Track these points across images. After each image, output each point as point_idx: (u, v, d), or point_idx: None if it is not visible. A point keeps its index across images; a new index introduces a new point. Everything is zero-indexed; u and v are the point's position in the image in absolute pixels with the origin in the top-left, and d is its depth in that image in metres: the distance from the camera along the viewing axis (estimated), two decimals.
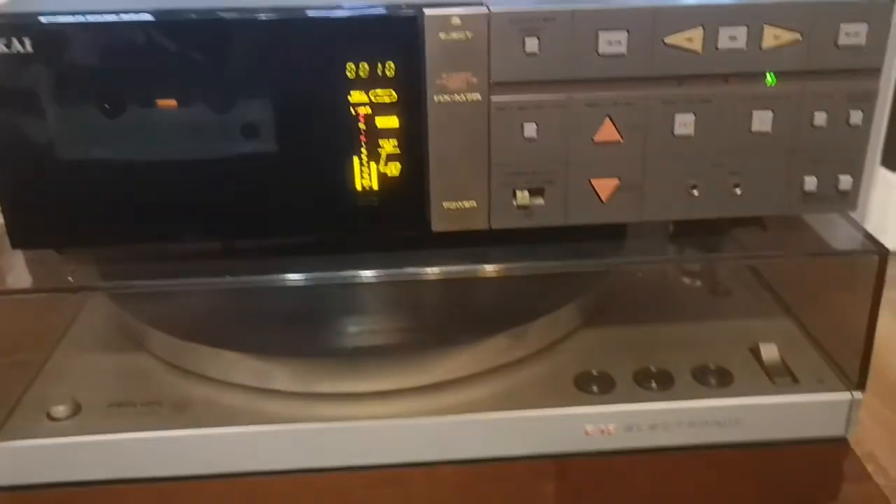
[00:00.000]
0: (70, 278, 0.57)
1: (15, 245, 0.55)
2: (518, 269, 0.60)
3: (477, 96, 0.54)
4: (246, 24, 0.52)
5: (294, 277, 0.58)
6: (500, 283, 0.64)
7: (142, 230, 0.57)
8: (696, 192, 0.56)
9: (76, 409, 0.61)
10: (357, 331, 0.67)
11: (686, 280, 0.76)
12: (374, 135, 0.55)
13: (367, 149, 0.55)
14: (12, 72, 0.51)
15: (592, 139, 0.55)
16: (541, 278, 0.64)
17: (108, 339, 0.70)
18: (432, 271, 0.58)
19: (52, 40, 0.51)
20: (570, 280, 0.69)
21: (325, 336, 0.66)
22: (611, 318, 0.71)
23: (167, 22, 0.52)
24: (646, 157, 0.56)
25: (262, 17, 0.52)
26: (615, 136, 0.55)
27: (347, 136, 0.55)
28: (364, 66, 0.53)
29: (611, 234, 0.62)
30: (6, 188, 0.54)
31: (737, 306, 0.74)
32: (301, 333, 0.65)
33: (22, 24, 0.50)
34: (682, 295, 0.75)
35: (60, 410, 0.61)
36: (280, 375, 0.63)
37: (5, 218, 0.54)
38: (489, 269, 0.60)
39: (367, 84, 0.54)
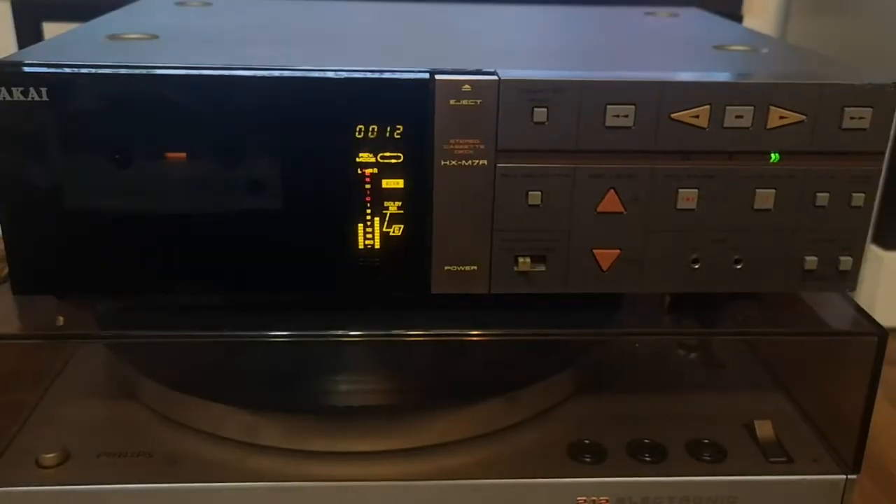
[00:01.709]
0: (61, 318, 0.57)
1: (17, 290, 0.55)
2: (510, 336, 0.59)
3: (483, 162, 0.54)
4: (258, 82, 0.53)
5: (287, 334, 0.58)
6: (494, 347, 0.64)
7: (143, 281, 0.57)
8: (696, 266, 0.56)
9: (65, 457, 0.60)
10: (349, 389, 0.67)
11: (681, 352, 0.76)
12: (380, 195, 0.55)
13: (371, 209, 0.55)
14: (26, 119, 0.51)
15: (596, 209, 0.55)
16: (536, 343, 0.63)
17: (99, 385, 0.69)
18: (422, 334, 0.58)
19: (68, 90, 0.51)
20: (564, 347, 0.68)
21: (317, 393, 0.66)
22: (605, 386, 0.71)
23: (179, 77, 0.52)
24: (648, 229, 0.56)
25: (275, 74, 0.52)
26: (618, 208, 0.55)
27: (353, 195, 0.56)
28: (373, 128, 0.54)
29: (606, 302, 0.61)
30: (13, 233, 0.54)
31: (731, 380, 0.74)
32: (293, 389, 0.65)
33: (40, 74, 0.51)
34: (677, 366, 0.75)
35: (50, 458, 0.60)
36: (270, 431, 0.63)
37: (10, 263, 0.53)
38: (480, 333, 0.59)
39: (374, 145, 0.54)
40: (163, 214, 0.55)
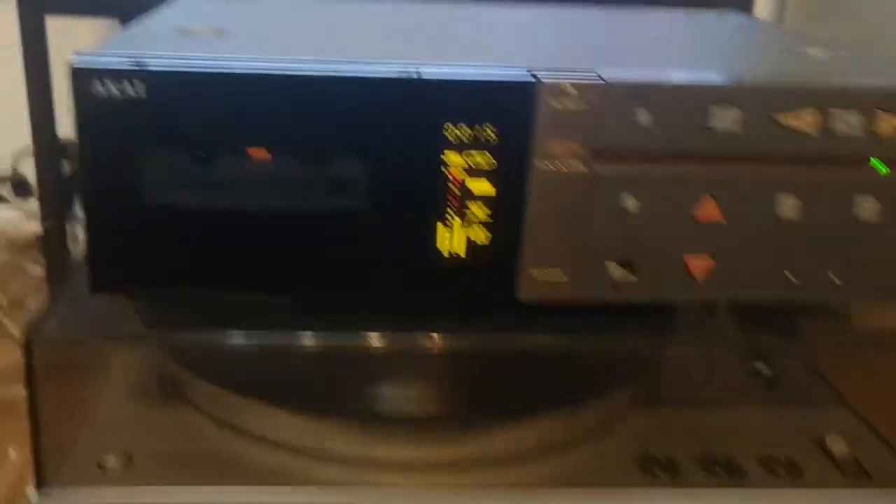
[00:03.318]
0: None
1: (95, 289, 0.52)
2: (564, 344, 0.58)
3: (580, 166, 0.52)
4: (349, 82, 0.52)
5: (354, 338, 0.56)
6: (562, 355, 0.62)
7: (220, 280, 0.54)
8: (792, 277, 0.55)
9: (128, 460, 0.58)
10: (414, 395, 0.64)
11: (748, 363, 0.75)
12: (466, 198, 0.53)
13: (456, 212, 0.53)
14: (119, 116, 0.49)
15: (692, 216, 0.54)
16: (600, 353, 0.62)
17: (151, 386, 0.67)
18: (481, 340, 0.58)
19: (166, 87, 0.49)
20: (630, 357, 0.67)
21: (384, 399, 0.64)
22: (669, 398, 0.69)
23: (276, 75, 0.51)
24: (745, 237, 0.54)
25: (367, 74, 0.51)
26: (716, 215, 0.54)
27: (438, 198, 0.54)
28: (464, 129, 0.52)
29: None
30: (96, 231, 0.51)
31: (796, 393, 0.72)
32: (360, 395, 0.63)
33: (141, 70, 0.49)
34: (742, 378, 0.74)
35: (113, 460, 0.58)
36: (335, 437, 0.60)
37: (90, 261, 0.51)
38: (539, 340, 0.59)
39: (465, 147, 0.52)
40: (245, 215, 0.53)
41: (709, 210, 0.54)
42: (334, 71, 0.51)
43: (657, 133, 0.52)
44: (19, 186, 1.83)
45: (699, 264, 0.55)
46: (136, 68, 0.48)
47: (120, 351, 0.70)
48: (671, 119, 0.52)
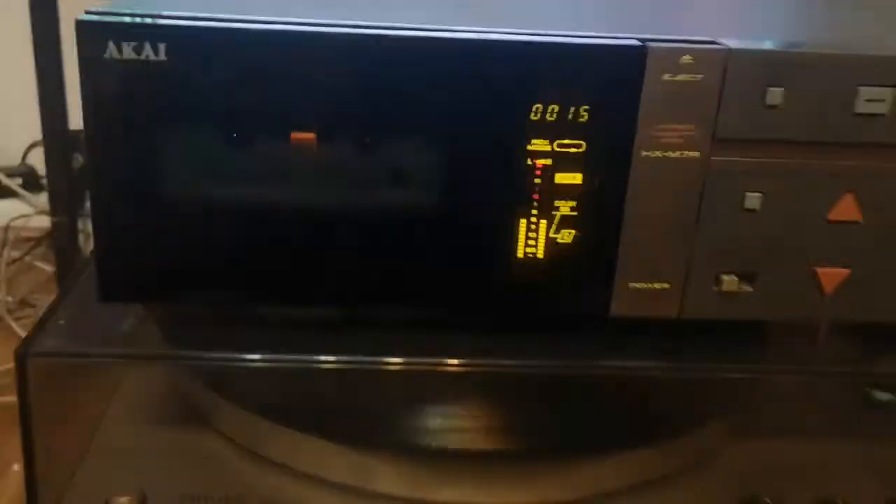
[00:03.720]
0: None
1: (104, 297, 0.43)
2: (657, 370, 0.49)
3: (695, 154, 0.43)
4: (414, 44, 0.42)
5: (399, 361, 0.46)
6: (650, 382, 0.52)
7: (253, 290, 0.45)
8: None
9: (142, 501, 0.48)
10: (478, 426, 0.54)
11: (871, 392, 0.64)
12: (551, 192, 0.43)
13: (538, 209, 0.43)
14: (136, 84, 0.39)
15: (826, 217, 0.44)
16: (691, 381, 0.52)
17: (166, 408, 0.57)
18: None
19: (192, 48, 0.39)
20: (723, 384, 0.57)
21: (441, 431, 0.54)
22: (771, 429, 0.59)
23: (317, 34, 0.42)
24: (887, 243, 0.44)
25: (434, 36, 0.42)
26: (855, 215, 0.44)
27: (518, 191, 0.45)
28: (553, 108, 0.42)
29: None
30: (104, 226, 0.42)
31: None
32: (412, 425, 0.53)
33: (162, 26, 0.38)
34: (857, 409, 0.63)
35: (125, 502, 0.48)
36: (385, 475, 0.50)
37: (98, 263, 0.41)
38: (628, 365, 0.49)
39: (552, 130, 0.43)
40: (282, 209, 0.45)
41: (847, 209, 0.44)
42: (398, 33, 0.41)
43: (790, 116, 0.42)
44: (29, 180, 1.75)
45: (831, 274, 0.45)
46: (156, 24, 0.38)
47: (132, 368, 0.60)
48: (809, 98, 0.42)
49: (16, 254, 1.70)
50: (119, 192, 0.42)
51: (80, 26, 0.39)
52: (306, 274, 0.45)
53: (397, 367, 0.48)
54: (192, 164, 0.42)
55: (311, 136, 0.43)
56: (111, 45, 0.39)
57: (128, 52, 0.39)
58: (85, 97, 0.40)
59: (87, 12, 0.39)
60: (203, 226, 0.43)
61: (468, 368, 0.47)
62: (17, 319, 1.47)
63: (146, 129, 0.41)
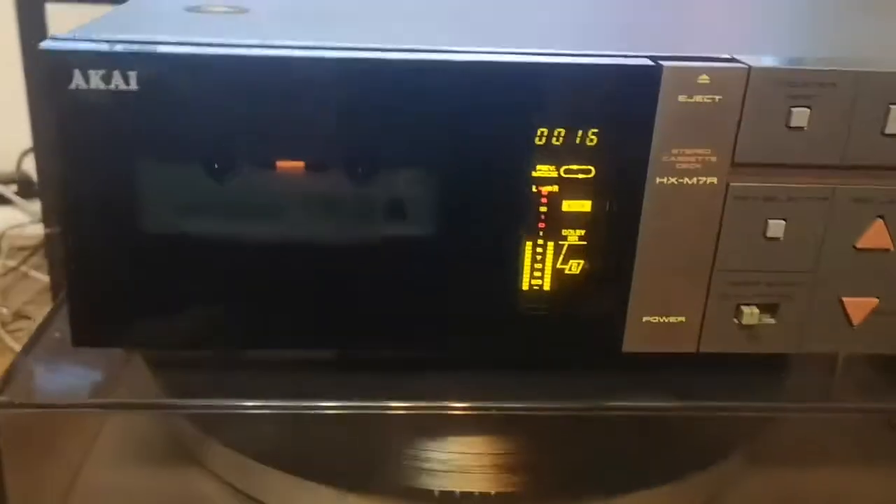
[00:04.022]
0: None
1: (78, 341, 0.40)
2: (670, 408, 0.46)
3: (712, 180, 0.40)
4: (408, 67, 0.39)
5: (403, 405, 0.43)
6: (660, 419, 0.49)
7: (240, 332, 0.42)
8: None
9: None
10: (482, 466, 0.51)
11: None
12: (558, 221, 0.40)
13: (545, 238, 0.40)
14: (105, 115, 0.36)
15: (854, 245, 0.41)
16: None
17: (151, 450, 0.54)
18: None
19: (165, 77, 0.36)
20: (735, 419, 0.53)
21: (442, 474, 0.50)
22: (785, 468, 0.55)
23: (306, 59, 0.38)
24: None
25: (431, 58, 0.39)
26: (885, 243, 0.41)
27: (522, 220, 0.42)
28: (559, 132, 0.39)
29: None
30: (78, 266, 0.38)
31: None
32: (415, 467, 0.50)
33: (131, 54, 0.35)
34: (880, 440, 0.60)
35: None
36: None
37: (71, 306, 0.38)
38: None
39: (559, 155, 0.39)
40: (268, 244, 0.41)
41: (877, 237, 0.40)
42: (390, 55, 0.37)
43: (816, 137, 0.39)
44: (24, 187, 1.72)
45: (859, 304, 0.42)
46: (126, 52, 0.35)
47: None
48: (835, 119, 0.38)
49: (11, 263, 1.67)
50: (91, 231, 0.39)
51: (44, 55, 0.35)
52: (295, 314, 0.42)
53: (401, 412, 0.44)
54: (168, 199, 0.39)
55: (299, 164, 0.39)
56: (77, 74, 0.35)
57: (95, 81, 0.36)
58: (51, 130, 0.36)
59: (52, 38, 0.36)
60: (182, 264, 0.40)
61: (473, 412, 0.44)
62: (11, 332, 1.44)
63: (118, 162, 0.38)
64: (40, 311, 1.47)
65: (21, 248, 1.71)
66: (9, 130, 1.68)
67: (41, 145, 1.30)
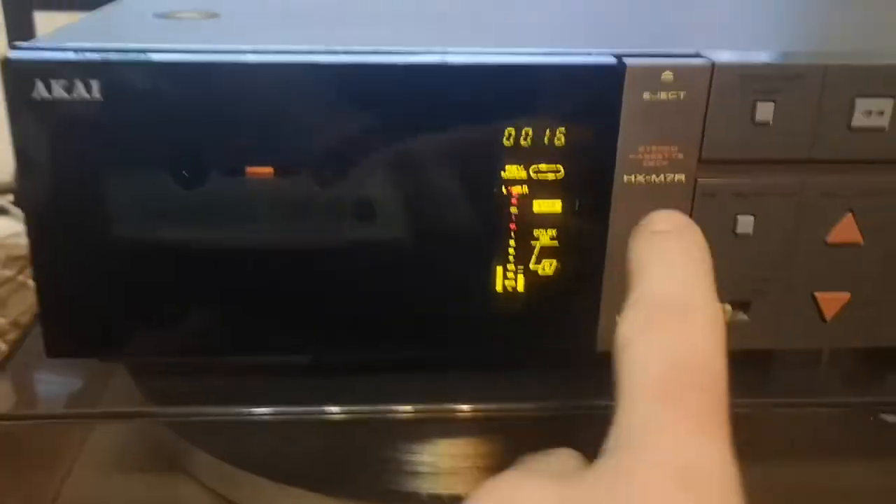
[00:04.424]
0: None
1: (51, 353, 0.40)
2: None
3: (680, 177, 0.40)
4: (373, 70, 0.39)
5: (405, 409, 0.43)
6: None
7: (216, 339, 0.42)
8: None
9: None
10: (468, 468, 0.51)
11: (881, 416, 0.61)
12: (528, 222, 0.40)
13: (516, 239, 0.40)
14: (69, 125, 0.36)
15: (824, 240, 0.41)
16: None
17: (135, 461, 0.53)
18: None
19: (130, 85, 0.36)
20: None
21: (429, 476, 0.50)
22: (773, 462, 0.55)
23: (270, 64, 0.39)
24: (891, 265, 0.41)
25: (397, 60, 0.39)
26: (855, 237, 0.41)
27: (493, 222, 0.42)
28: (526, 132, 0.39)
29: None
30: (45, 280, 0.39)
31: None
32: (401, 470, 0.50)
33: (91, 62, 0.35)
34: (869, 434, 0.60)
35: None
36: None
37: (43, 318, 0.38)
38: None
39: (527, 155, 0.39)
40: (239, 250, 0.41)
41: (847, 231, 0.40)
42: (356, 58, 0.37)
43: (782, 132, 0.39)
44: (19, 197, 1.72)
45: (831, 299, 0.42)
46: (88, 61, 0.35)
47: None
48: (801, 113, 0.38)
49: (7, 273, 1.68)
50: (59, 241, 0.39)
51: (5, 65, 0.35)
52: (267, 320, 0.42)
53: (407, 416, 0.44)
54: (135, 206, 0.39)
55: (268, 170, 0.39)
56: (39, 84, 0.36)
57: (58, 91, 0.36)
58: (15, 141, 0.36)
59: (13, 47, 0.36)
60: (152, 273, 0.40)
61: (478, 413, 0.44)
62: (9, 343, 1.44)
63: (83, 172, 0.38)
64: (36, 320, 1.48)
65: (17, 258, 1.71)
66: (3, 140, 1.68)
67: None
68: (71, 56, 0.36)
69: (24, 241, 1.28)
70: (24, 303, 1.50)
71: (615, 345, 0.28)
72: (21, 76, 0.36)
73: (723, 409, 0.26)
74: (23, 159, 0.37)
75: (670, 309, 0.28)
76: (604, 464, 0.25)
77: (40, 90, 0.36)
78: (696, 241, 0.31)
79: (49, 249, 0.39)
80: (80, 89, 0.36)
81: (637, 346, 0.27)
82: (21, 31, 1.20)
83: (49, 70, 0.36)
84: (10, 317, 1.43)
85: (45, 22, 1.26)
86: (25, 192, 0.38)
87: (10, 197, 1.68)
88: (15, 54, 0.36)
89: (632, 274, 0.31)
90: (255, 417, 0.44)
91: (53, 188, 0.38)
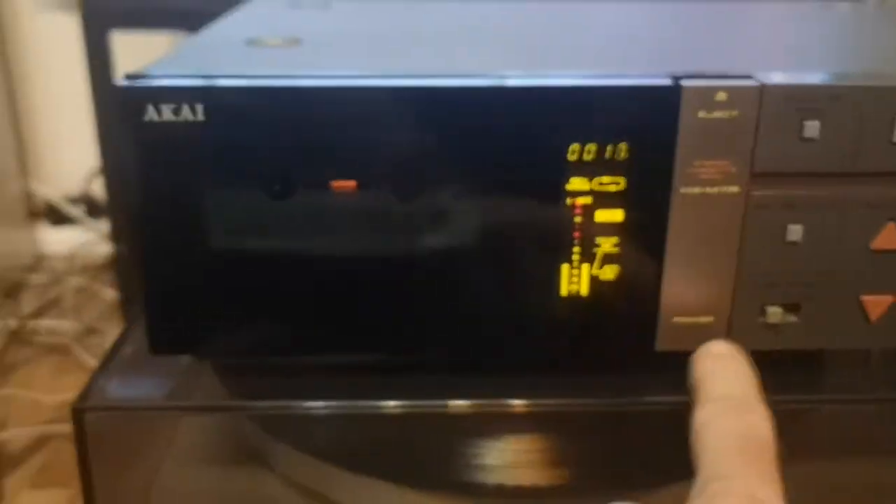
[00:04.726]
0: None
1: (156, 350, 0.44)
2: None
3: (734, 189, 0.43)
4: (448, 93, 0.43)
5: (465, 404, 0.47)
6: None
7: (300, 341, 0.45)
8: None
9: None
10: (532, 462, 0.54)
11: None
12: (592, 230, 0.44)
13: (580, 246, 0.44)
14: (175, 144, 0.41)
15: (869, 246, 0.43)
16: None
17: (221, 453, 0.58)
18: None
19: (229, 107, 0.40)
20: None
21: (495, 469, 0.54)
22: (820, 461, 0.58)
23: (351, 88, 0.43)
24: None
25: (472, 84, 0.43)
26: None
27: (558, 229, 0.45)
28: (590, 148, 0.42)
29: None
30: (153, 281, 0.43)
31: None
32: (469, 464, 0.53)
33: (197, 88, 0.40)
34: None
35: None
36: None
37: (148, 317, 0.43)
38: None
39: (591, 169, 0.43)
40: (326, 257, 0.45)
41: (890, 238, 0.43)
42: (433, 82, 0.41)
43: (828, 147, 0.42)
44: (92, 207, 1.78)
45: (876, 302, 0.45)
46: (193, 86, 0.40)
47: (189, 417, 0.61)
48: (845, 130, 0.42)
49: (81, 281, 1.74)
50: (165, 248, 0.43)
51: (120, 92, 0.40)
52: (353, 322, 0.46)
53: (465, 410, 0.48)
54: (234, 218, 0.43)
55: (351, 184, 0.43)
56: (150, 108, 0.40)
57: (167, 114, 0.40)
58: (129, 158, 0.41)
59: (128, 76, 0.40)
60: (248, 277, 0.44)
61: (532, 409, 0.47)
62: (84, 347, 1.50)
63: (188, 186, 0.42)
64: (110, 326, 1.54)
65: (90, 267, 1.77)
66: (76, 153, 1.75)
67: (109, 167, 1.36)
68: (179, 82, 0.40)
69: (96, 250, 1.34)
70: (97, 309, 1.55)
71: (693, 428, 0.39)
72: (135, 101, 0.40)
73: (777, 471, 0.36)
74: (133, 172, 0.41)
75: (736, 403, 0.39)
76: (696, 497, 0.35)
77: (151, 113, 0.40)
78: (745, 362, 0.42)
79: (155, 257, 0.44)
80: (186, 112, 0.40)
81: (715, 426, 0.38)
82: (99, 49, 1.25)
83: (160, 95, 0.40)
84: (84, 323, 1.49)
85: (122, 41, 1.31)
86: (134, 202, 0.42)
87: (83, 207, 1.74)
88: (128, 83, 0.40)
89: (698, 382, 0.41)
90: (326, 411, 0.48)
91: (159, 198, 0.42)
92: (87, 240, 1.77)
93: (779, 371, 0.46)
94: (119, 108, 0.41)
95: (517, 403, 0.48)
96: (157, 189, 0.42)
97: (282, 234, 0.44)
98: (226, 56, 0.48)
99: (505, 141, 0.43)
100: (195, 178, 0.42)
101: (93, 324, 1.55)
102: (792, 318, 0.46)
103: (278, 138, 0.42)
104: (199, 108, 0.40)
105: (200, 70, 0.42)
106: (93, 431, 0.46)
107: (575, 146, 0.43)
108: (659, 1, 0.76)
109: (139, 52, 1.34)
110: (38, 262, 1.81)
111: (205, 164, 0.42)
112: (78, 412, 0.45)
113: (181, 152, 0.41)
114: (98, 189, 1.68)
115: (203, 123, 0.40)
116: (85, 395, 0.46)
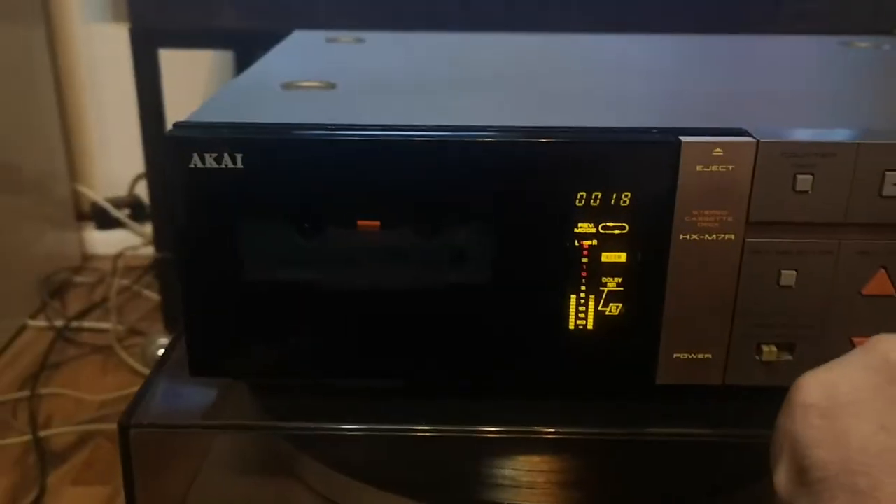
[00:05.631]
0: None
1: (195, 372, 0.49)
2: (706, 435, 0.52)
3: (730, 236, 0.46)
4: (465, 146, 0.47)
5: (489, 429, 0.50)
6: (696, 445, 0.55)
7: (329, 365, 0.49)
8: None
9: None
10: (546, 483, 0.58)
11: None
12: (598, 270, 0.47)
13: (587, 284, 0.47)
14: (216, 188, 0.45)
15: (860, 292, 0.46)
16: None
17: (253, 467, 0.62)
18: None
19: (264, 157, 0.45)
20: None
21: (511, 489, 0.57)
22: None
23: (384, 140, 0.47)
24: None
25: (490, 138, 0.46)
26: (888, 290, 0.47)
27: (567, 269, 0.49)
28: (596, 195, 0.46)
29: None
30: (194, 310, 0.48)
31: None
32: (487, 483, 0.57)
33: (237, 139, 0.44)
34: None
35: None
36: None
37: (189, 342, 0.47)
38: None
39: (596, 214, 0.46)
40: (351, 290, 0.49)
41: (881, 285, 0.46)
42: (453, 135, 0.45)
43: (820, 199, 0.45)
44: (136, 210, 1.83)
45: None
46: (234, 138, 0.44)
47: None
48: (837, 183, 0.45)
49: (125, 282, 1.79)
50: (206, 279, 0.47)
51: (169, 141, 0.44)
52: (374, 350, 0.50)
53: (493, 435, 0.52)
54: (268, 253, 0.47)
55: (375, 223, 0.47)
56: (195, 156, 0.44)
57: (210, 161, 0.44)
58: (175, 199, 0.45)
59: (176, 125, 0.45)
60: (279, 307, 0.48)
61: (557, 436, 0.51)
62: (126, 348, 1.55)
63: (227, 223, 0.46)
64: (152, 328, 1.58)
65: (134, 269, 1.83)
66: (122, 158, 1.80)
67: (153, 172, 1.41)
68: (222, 133, 0.45)
69: (140, 252, 1.38)
70: (140, 310, 1.60)
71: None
72: (182, 150, 0.45)
73: None
74: (182, 212, 0.46)
75: None
76: None
77: (196, 161, 0.44)
78: None
79: (195, 288, 0.48)
80: (226, 160, 0.45)
81: None
82: (147, 63, 1.30)
83: (204, 144, 0.44)
84: (127, 324, 1.54)
85: (170, 59, 1.36)
86: (181, 239, 0.46)
87: (127, 211, 1.79)
88: (177, 132, 0.45)
89: None
90: (357, 433, 0.52)
91: (202, 235, 0.47)
92: (131, 242, 1.82)
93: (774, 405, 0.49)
94: (168, 155, 0.45)
95: (543, 430, 0.51)
96: (199, 226, 0.46)
97: (311, 267, 0.48)
98: (263, 102, 0.52)
99: (518, 188, 0.46)
100: (233, 218, 0.46)
101: (135, 325, 1.59)
102: (787, 357, 0.49)
103: (309, 183, 0.46)
104: (238, 157, 0.44)
105: (240, 116, 0.46)
106: (136, 446, 0.50)
107: (582, 193, 0.46)
108: (674, 34, 0.79)
109: (183, 61, 1.39)
110: (84, 263, 1.87)
111: (242, 205, 0.46)
112: (123, 429, 0.49)
113: (221, 195, 0.45)
114: (143, 192, 1.73)
115: (242, 170, 0.45)
116: (130, 412, 0.50)
